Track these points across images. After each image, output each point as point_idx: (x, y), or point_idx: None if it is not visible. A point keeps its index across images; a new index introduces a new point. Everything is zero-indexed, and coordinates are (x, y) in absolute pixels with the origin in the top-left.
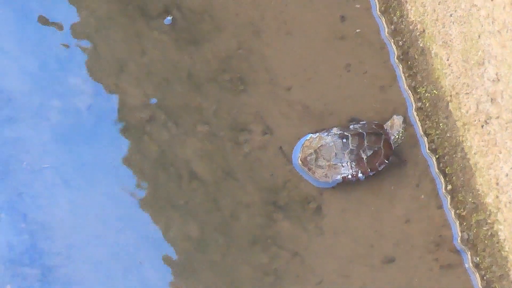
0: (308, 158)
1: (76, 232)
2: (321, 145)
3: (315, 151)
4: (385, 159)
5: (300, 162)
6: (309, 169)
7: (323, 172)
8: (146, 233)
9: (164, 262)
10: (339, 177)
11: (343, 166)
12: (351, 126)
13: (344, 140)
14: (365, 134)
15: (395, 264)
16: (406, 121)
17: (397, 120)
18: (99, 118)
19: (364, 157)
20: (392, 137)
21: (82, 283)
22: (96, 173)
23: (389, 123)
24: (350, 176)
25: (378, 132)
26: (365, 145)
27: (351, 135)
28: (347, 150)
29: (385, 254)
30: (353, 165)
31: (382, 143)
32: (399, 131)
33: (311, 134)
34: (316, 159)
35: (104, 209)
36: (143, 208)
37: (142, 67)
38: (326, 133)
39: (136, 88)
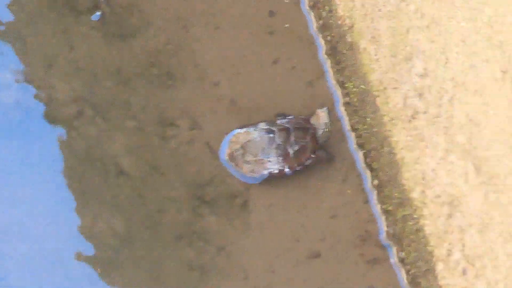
0: (235, 153)
1: (3, 228)
2: (248, 140)
3: (242, 146)
4: (312, 154)
5: (227, 157)
6: (236, 165)
7: (250, 167)
8: (72, 228)
9: (90, 258)
10: (266, 172)
11: (270, 161)
12: (279, 121)
13: (271, 135)
14: (291, 129)
15: (321, 259)
16: (331, 113)
17: (321, 113)
18: (27, 113)
19: (291, 152)
20: (320, 132)
21: (6, 279)
22: (22, 169)
23: (314, 117)
24: (277, 171)
25: (305, 127)
26: (292, 140)
27: (277, 130)
28: (274, 145)
29: (311, 249)
30: (280, 160)
31: (309, 138)
32: (325, 123)
33: (238, 130)
34: (243, 154)
35: (30, 204)
36: (70, 203)
37: (71, 62)
38: (253, 128)
39: (64, 83)
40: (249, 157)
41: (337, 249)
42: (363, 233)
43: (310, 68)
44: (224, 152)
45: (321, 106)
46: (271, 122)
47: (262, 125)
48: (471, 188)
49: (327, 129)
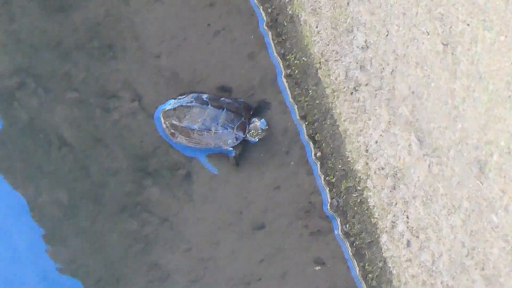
0: (168, 123)
1: None
2: (182, 111)
3: (177, 117)
4: (230, 145)
5: (164, 126)
6: (172, 135)
7: (183, 138)
8: (16, 200)
9: (33, 230)
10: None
11: (198, 133)
12: (223, 99)
13: (204, 106)
14: (225, 109)
15: (264, 231)
16: (268, 127)
17: (257, 122)
18: None
19: (213, 131)
20: (250, 132)
21: None
22: None
23: (253, 121)
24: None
25: (240, 114)
26: (220, 121)
27: (211, 104)
28: (202, 119)
29: (255, 221)
30: (204, 134)
31: (236, 126)
32: (258, 133)
33: (172, 100)
34: (175, 126)
35: None
36: (12, 175)
37: (11, 34)
38: (187, 99)
39: (4, 55)
40: (182, 127)
41: (281, 220)
42: (307, 205)
43: (251, 40)
44: (160, 122)
45: (260, 118)
46: (214, 97)
47: (196, 97)
48: (415, 160)
49: (259, 135)
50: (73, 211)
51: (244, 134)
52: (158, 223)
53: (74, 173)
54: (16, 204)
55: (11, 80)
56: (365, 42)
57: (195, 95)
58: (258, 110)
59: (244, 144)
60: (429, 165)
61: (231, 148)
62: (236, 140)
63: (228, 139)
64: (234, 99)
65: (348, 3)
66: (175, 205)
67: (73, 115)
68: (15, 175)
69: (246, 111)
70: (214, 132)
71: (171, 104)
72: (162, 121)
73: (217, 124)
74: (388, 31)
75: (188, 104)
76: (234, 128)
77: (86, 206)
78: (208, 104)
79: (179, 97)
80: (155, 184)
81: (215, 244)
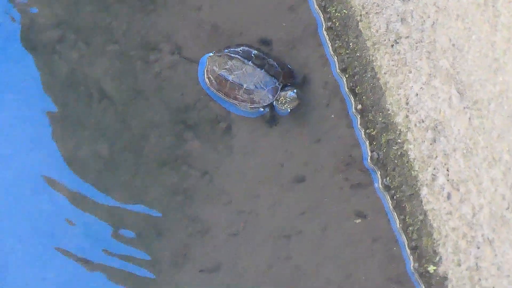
0: (209, 67)
1: None
2: (224, 59)
3: (217, 63)
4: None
5: (205, 70)
6: (208, 80)
7: (215, 86)
8: (56, 153)
9: (74, 181)
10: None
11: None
12: (269, 60)
13: (246, 61)
14: (263, 69)
15: (305, 184)
16: (299, 100)
17: (289, 93)
18: (8, 37)
19: (244, 86)
20: (279, 98)
21: None
22: (4, 93)
23: (286, 89)
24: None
25: (276, 79)
26: (254, 79)
27: (253, 61)
28: (238, 72)
29: (295, 174)
30: (235, 88)
31: (268, 88)
32: (286, 101)
33: (213, 53)
34: (213, 71)
35: (13, 129)
36: (53, 128)
37: None
38: (234, 50)
39: (46, 7)
40: (219, 76)
41: (321, 173)
42: (347, 158)
43: None
44: (203, 76)
45: (292, 88)
46: (258, 55)
47: (246, 52)
48: (455, 113)
49: (287, 104)
50: (114, 164)
51: (273, 98)
52: (199, 176)
53: (114, 126)
54: (58, 156)
55: (52, 33)
56: None
57: (245, 48)
58: (299, 82)
59: (274, 110)
60: (469, 118)
61: (262, 109)
62: (263, 102)
63: (256, 98)
64: (282, 63)
65: None
66: (216, 158)
67: (113, 68)
68: (56, 128)
69: (285, 79)
70: (245, 88)
71: (220, 51)
72: (206, 65)
73: (251, 81)
74: None
75: (232, 55)
76: (265, 89)
77: (126, 159)
78: (249, 60)
79: (230, 48)
80: (195, 137)
81: (255, 197)
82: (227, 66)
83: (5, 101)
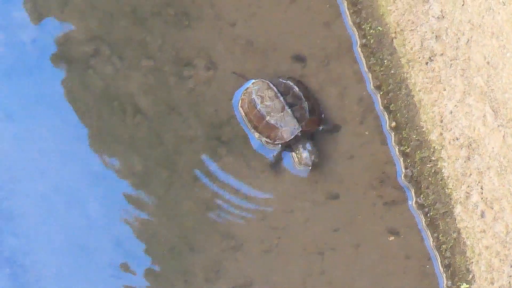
0: (249, 88)
1: (19, 166)
2: (264, 87)
3: (258, 88)
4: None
5: (244, 89)
6: (242, 100)
7: (243, 107)
8: (90, 167)
9: (107, 197)
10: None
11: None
12: (302, 101)
13: (279, 96)
14: (291, 109)
15: (339, 200)
16: (314, 147)
17: (303, 155)
18: (44, 51)
19: (265, 120)
20: (294, 155)
21: (25, 216)
22: (39, 107)
23: (303, 146)
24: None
25: (299, 124)
26: (278, 115)
27: (284, 99)
28: (267, 104)
29: (329, 190)
30: (258, 118)
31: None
32: (300, 160)
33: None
34: (249, 93)
35: (47, 143)
36: (87, 142)
37: (86, 1)
38: (278, 81)
39: (80, 22)
40: (252, 100)
41: (355, 190)
42: (381, 174)
43: (327, 9)
44: (240, 94)
45: (310, 149)
46: (292, 94)
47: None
48: (489, 130)
49: (300, 163)
50: (147, 179)
51: (287, 139)
52: (233, 192)
53: (148, 140)
54: (92, 171)
55: (86, 47)
56: (440, 11)
57: (289, 83)
58: (329, 129)
59: (282, 154)
60: (503, 136)
61: (273, 147)
62: (278, 140)
63: (273, 135)
64: (316, 109)
65: None
66: (248, 174)
67: (147, 83)
68: (90, 142)
69: (309, 125)
70: (266, 121)
71: (266, 78)
72: (248, 86)
73: (274, 117)
74: (464, 1)
75: (271, 85)
76: (282, 128)
77: (160, 173)
78: (282, 96)
79: (280, 78)
80: (229, 153)
81: (289, 212)
82: (262, 94)
83: (40, 115)
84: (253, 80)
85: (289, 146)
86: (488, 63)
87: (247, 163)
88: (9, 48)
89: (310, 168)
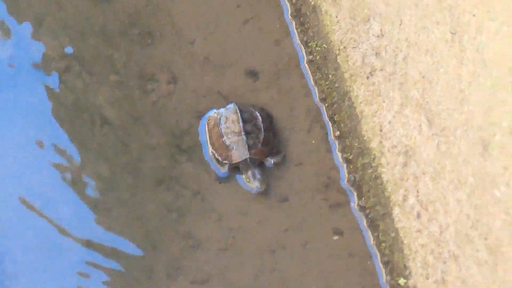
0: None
1: None
2: (233, 111)
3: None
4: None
5: (208, 118)
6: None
7: (208, 124)
8: (60, 173)
9: (78, 199)
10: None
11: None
12: (258, 125)
13: (240, 121)
14: (244, 133)
15: (288, 203)
16: (259, 185)
17: (252, 180)
18: (20, 67)
19: (223, 139)
20: (245, 175)
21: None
22: (15, 118)
23: (253, 171)
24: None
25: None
26: (232, 136)
27: (242, 118)
28: (227, 124)
29: (280, 194)
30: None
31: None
32: (249, 180)
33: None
34: (218, 113)
35: (21, 151)
36: (57, 151)
37: (59, 21)
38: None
39: (53, 40)
40: (216, 118)
41: (303, 194)
42: (327, 179)
43: (277, 28)
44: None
45: (258, 176)
46: (248, 117)
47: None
48: (424, 139)
49: (249, 182)
50: (114, 184)
51: (234, 163)
52: (191, 195)
53: (115, 148)
54: (62, 176)
55: (59, 63)
56: (380, 30)
57: (256, 113)
58: (277, 162)
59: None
60: (437, 144)
61: (220, 167)
62: (227, 161)
63: (224, 155)
64: (270, 141)
65: None
66: (207, 179)
67: (114, 96)
68: (62, 150)
69: (258, 155)
70: (223, 141)
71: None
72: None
73: (230, 139)
74: (401, 21)
75: (239, 111)
76: (232, 151)
77: (125, 179)
78: (244, 123)
79: (254, 106)
80: (188, 160)
81: (243, 214)
82: (228, 116)
83: (15, 124)
84: (230, 105)
85: (237, 168)
86: (423, 77)
87: (205, 169)
88: None
89: (260, 191)
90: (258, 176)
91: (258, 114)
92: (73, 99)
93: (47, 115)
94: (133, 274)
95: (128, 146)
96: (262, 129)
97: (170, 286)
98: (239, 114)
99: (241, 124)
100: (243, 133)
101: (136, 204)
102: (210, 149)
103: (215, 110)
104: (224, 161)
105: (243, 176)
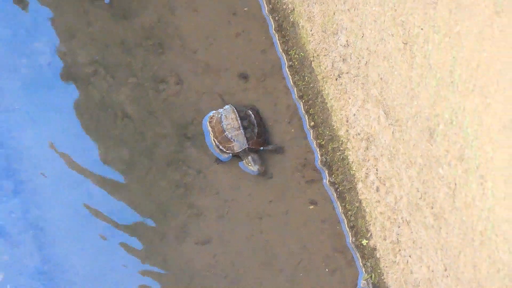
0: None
1: (40, 154)
2: (232, 110)
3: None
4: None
5: (210, 117)
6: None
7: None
8: (90, 156)
9: (105, 178)
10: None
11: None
12: (254, 120)
13: (237, 117)
14: (242, 128)
15: (273, 180)
16: (257, 166)
17: (252, 164)
18: (56, 71)
19: (224, 128)
20: (245, 160)
21: (38, 199)
22: (53, 114)
23: (252, 158)
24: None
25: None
26: (232, 128)
27: (239, 117)
28: (228, 121)
29: (266, 172)
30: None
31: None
32: (249, 165)
33: (213, 112)
34: (218, 113)
35: (59, 139)
36: (88, 137)
37: (88, 35)
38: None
39: (83, 50)
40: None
41: (285, 172)
42: (304, 160)
43: (263, 39)
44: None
45: (258, 162)
46: (243, 116)
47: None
48: (382, 128)
49: (249, 165)
50: (133, 165)
51: (236, 152)
52: (195, 174)
53: (133, 137)
54: (92, 159)
55: (88, 69)
56: (346, 41)
57: (249, 112)
58: (272, 150)
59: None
60: (392, 132)
61: (225, 156)
62: (229, 150)
63: (228, 146)
64: (262, 134)
65: (334, 13)
66: (207, 161)
67: (132, 95)
68: (91, 138)
69: (254, 145)
70: (225, 135)
71: (235, 105)
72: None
73: (231, 133)
74: (363, 34)
75: (236, 111)
76: (234, 142)
77: (142, 161)
78: (241, 120)
79: (247, 107)
80: (192, 146)
81: (236, 189)
82: (227, 115)
83: (53, 119)
84: (227, 106)
85: (238, 156)
86: (381, 79)
87: (205, 153)
88: (31, 69)
89: (260, 173)
90: (257, 160)
91: (251, 113)
92: (99, 97)
93: (79, 110)
94: (148, 237)
95: (144, 135)
96: (255, 124)
97: (179, 246)
98: (236, 113)
99: (239, 121)
100: (241, 128)
101: (151, 181)
102: (215, 141)
103: (213, 111)
104: (227, 151)
105: (244, 161)
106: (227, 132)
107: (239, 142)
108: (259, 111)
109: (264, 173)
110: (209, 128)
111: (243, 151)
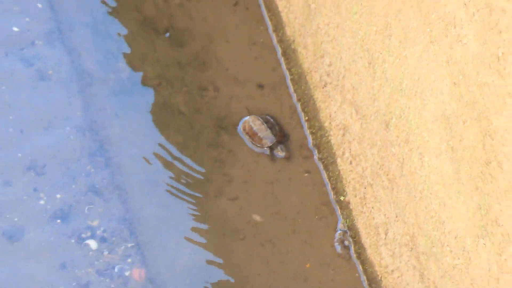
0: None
1: (123, 139)
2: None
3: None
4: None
5: (242, 130)
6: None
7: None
8: (157, 141)
9: (166, 156)
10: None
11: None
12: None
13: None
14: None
15: (279, 159)
16: (284, 151)
17: (280, 151)
18: (134, 83)
19: (255, 128)
20: (275, 149)
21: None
22: (132, 112)
23: (279, 147)
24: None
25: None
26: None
27: (268, 127)
28: (259, 126)
29: (291, 156)
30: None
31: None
32: (279, 152)
33: (247, 117)
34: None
35: (137, 129)
36: (155, 128)
37: (155, 57)
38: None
39: (151, 68)
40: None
41: (288, 151)
42: (301, 143)
43: (274, 61)
44: (240, 127)
45: (282, 150)
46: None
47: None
48: (354, 121)
49: (280, 153)
50: (184, 147)
51: (269, 144)
52: (227, 152)
53: (185, 127)
54: (157, 143)
55: (154, 81)
56: (329, 62)
57: (270, 118)
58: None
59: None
60: (361, 124)
61: (265, 149)
62: (264, 145)
63: (261, 142)
64: (282, 131)
65: (321, 43)
66: (236, 144)
67: (185, 99)
68: (158, 132)
69: (279, 138)
70: (258, 136)
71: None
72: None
73: (262, 134)
74: (341, 57)
75: (260, 118)
76: (265, 139)
77: (191, 144)
78: (265, 123)
79: (268, 116)
80: (226, 133)
81: (255, 163)
82: (254, 121)
83: (131, 116)
84: (248, 116)
85: (270, 147)
86: (353, 87)
87: (234, 138)
88: (116, 81)
89: (286, 157)
90: (284, 149)
91: (269, 117)
92: (162, 101)
93: (149, 109)
94: (199, 193)
95: (193, 126)
96: (275, 124)
97: (216, 201)
98: (260, 120)
99: (264, 124)
100: (268, 129)
101: (197, 158)
102: (251, 142)
103: (241, 122)
104: (263, 146)
105: (275, 150)
106: (259, 134)
107: (269, 138)
108: (273, 116)
109: (288, 157)
110: (245, 135)
111: (274, 144)
